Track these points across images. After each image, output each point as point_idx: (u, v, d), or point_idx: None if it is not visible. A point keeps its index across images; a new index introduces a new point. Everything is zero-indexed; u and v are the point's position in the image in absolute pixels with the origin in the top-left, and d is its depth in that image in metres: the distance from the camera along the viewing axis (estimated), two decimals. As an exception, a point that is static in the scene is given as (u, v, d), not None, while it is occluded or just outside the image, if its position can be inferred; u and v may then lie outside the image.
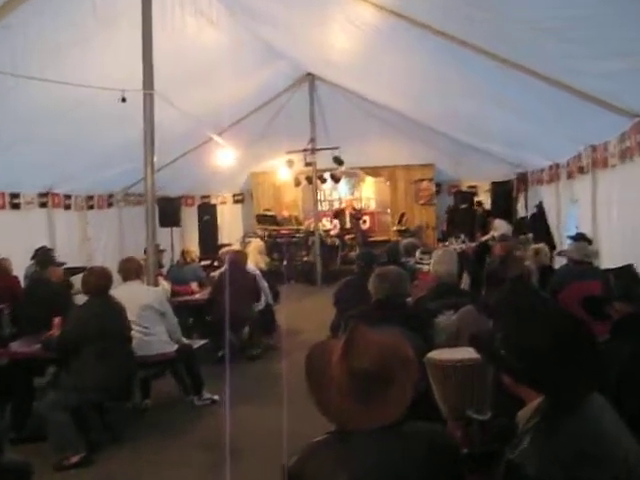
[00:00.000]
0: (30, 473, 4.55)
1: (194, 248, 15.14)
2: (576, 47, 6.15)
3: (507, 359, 2.38)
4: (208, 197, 20.87)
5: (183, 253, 13.21)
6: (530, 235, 12.62)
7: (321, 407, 2.56)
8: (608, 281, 4.07)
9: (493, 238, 9.99)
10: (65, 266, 10.62)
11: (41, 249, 11.15)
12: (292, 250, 19.02)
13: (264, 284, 10.87)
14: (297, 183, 18.89)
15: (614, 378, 3.34)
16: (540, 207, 14.23)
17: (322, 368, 2.62)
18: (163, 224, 16.05)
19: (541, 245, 8.94)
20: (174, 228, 17.99)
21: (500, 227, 7.91)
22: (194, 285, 11.46)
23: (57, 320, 6.97)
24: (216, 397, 7.82)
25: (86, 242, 15.29)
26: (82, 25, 8.51)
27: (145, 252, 8.79)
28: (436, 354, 3.34)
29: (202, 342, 8.72)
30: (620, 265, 4.32)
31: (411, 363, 2.67)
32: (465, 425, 3.14)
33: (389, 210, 20.66)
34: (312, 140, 16.99)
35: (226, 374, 8.62)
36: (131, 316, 6.93)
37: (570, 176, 11.31)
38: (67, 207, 14.59)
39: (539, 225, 13.52)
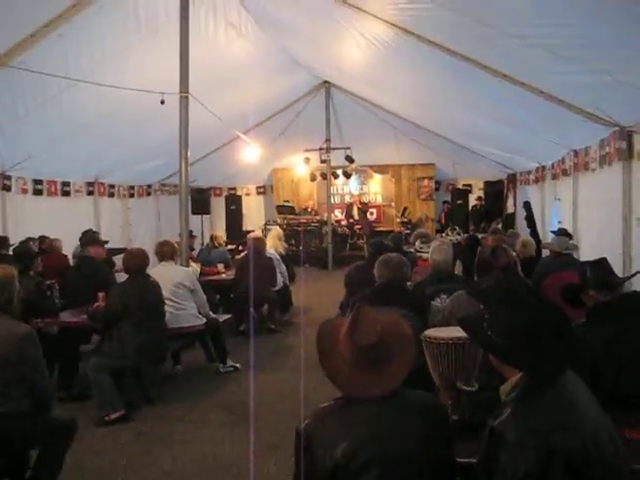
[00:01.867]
0: (75, 427, 4.60)
1: (221, 234, 15.14)
2: (566, 63, 6.13)
3: (492, 338, 2.40)
4: (234, 189, 20.91)
5: (212, 238, 13.23)
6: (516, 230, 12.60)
7: (330, 376, 2.58)
8: (584, 272, 4.08)
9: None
10: (108, 246, 10.74)
11: (87, 232, 11.24)
12: (307, 237, 19.04)
13: (282, 267, 10.89)
14: (313, 178, 18.92)
15: (588, 358, 3.35)
16: (527, 205, 14.23)
17: (331, 342, 2.65)
18: (195, 212, 16.12)
19: (528, 238, 8.93)
20: (204, 216, 18.07)
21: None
22: (220, 266, 11.50)
23: (101, 295, 7.02)
24: (238, 365, 7.86)
25: (127, 226, 15.39)
26: (127, 35, 8.57)
27: (179, 236, 8.82)
28: (431, 332, 3.37)
29: (227, 317, 8.76)
30: (596, 258, 4.32)
31: (410, 340, 2.70)
32: (455, 395, 3.18)
33: (393, 204, 20.64)
34: (327, 140, 16.98)
35: (249, 345, 8.73)
36: (165, 293, 6.97)
37: (554, 177, 11.29)
38: (111, 195, 14.71)
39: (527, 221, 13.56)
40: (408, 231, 16.38)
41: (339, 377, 2.57)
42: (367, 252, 8.67)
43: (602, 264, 4.14)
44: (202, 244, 15.51)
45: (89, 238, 9.74)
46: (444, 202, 19.53)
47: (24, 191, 11.34)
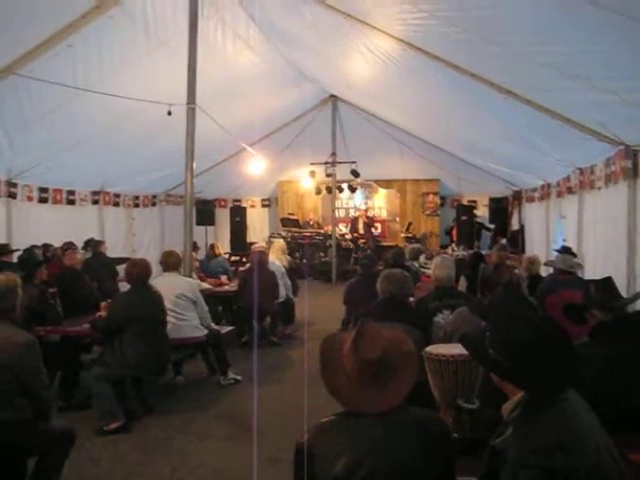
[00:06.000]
0: (74, 437, 4.58)
1: (220, 244, 15.17)
2: (571, 81, 6.14)
3: (492, 356, 2.39)
4: (239, 201, 20.95)
5: (211, 247, 13.29)
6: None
7: (332, 391, 2.57)
8: (588, 290, 4.06)
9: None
10: (112, 255, 10.78)
11: (90, 240, 11.30)
12: (312, 250, 19.07)
13: (286, 280, 10.88)
14: (318, 191, 18.90)
15: (590, 377, 3.34)
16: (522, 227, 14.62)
17: (334, 357, 2.64)
18: (199, 223, 16.13)
19: (534, 255, 8.91)
20: (209, 227, 18.10)
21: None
22: (223, 278, 11.52)
23: (104, 304, 7.03)
24: (239, 377, 7.84)
25: (131, 236, 15.41)
26: (135, 46, 8.63)
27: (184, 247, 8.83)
28: (433, 349, 3.36)
29: (229, 328, 8.74)
30: (600, 276, 4.30)
31: (412, 356, 2.69)
32: (456, 413, 3.17)
33: (398, 219, 20.66)
34: (333, 154, 17.01)
35: (252, 357, 8.71)
36: (167, 303, 6.96)
37: (559, 195, 11.27)
38: (116, 204, 14.75)
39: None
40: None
41: (341, 392, 2.56)
42: (359, 267, 8.70)
43: (607, 284, 4.12)
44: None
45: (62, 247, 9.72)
46: (454, 220, 19.46)
47: (30, 199, 11.38)
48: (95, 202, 13.79)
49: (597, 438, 2.23)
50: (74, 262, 8.53)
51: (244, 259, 16.66)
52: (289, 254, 13.58)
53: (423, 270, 9.75)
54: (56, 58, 7.76)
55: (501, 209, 17.88)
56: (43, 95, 8.39)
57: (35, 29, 7.33)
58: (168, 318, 6.91)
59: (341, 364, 2.60)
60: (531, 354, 2.31)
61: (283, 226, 20.03)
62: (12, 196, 10.76)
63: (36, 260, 7.90)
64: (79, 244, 10.56)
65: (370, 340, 2.56)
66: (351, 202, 21.20)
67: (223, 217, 19.91)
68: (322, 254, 19.36)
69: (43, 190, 11.81)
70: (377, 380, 2.52)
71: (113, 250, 12.27)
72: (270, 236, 19.23)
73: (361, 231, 19.85)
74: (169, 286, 7.27)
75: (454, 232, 18.66)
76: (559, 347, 2.35)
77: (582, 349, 3.45)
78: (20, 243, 9.49)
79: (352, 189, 18.65)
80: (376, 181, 20.15)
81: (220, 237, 19.34)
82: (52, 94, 8.37)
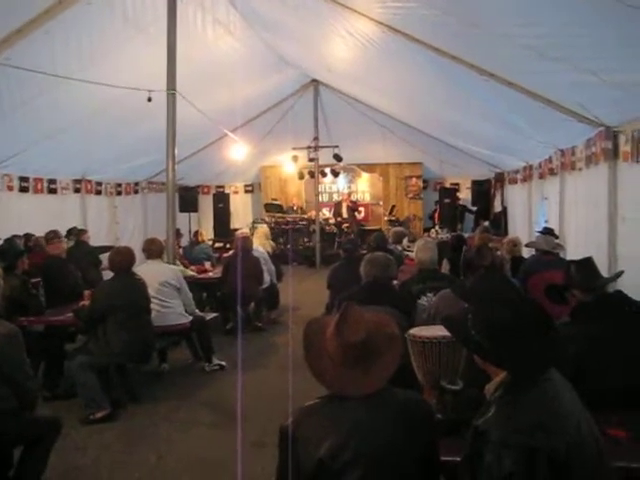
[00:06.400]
0: (59, 426, 4.57)
1: (205, 231, 15.14)
2: (552, 63, 6.14)
3: (474, 337, 2.41)
4: (222, 187, 20.85)
5: (195, 234, 13.28)
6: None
7: (316, 374, 2.58)
8: (569, 271, 4.09)
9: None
10: (94, 244, 10.71)
11: (73, 229, 11.23)
12: (295, 235, 19.07)
13: (270, 265, 10.88)
14: (301, 176, 18.85)
15: (571, 357, 3.37)
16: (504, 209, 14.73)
17: (318, 340, 2.65)
18: (182, 210, 16.08)
19: (516, 237, 8.96)
20: (192, 214, 18.06)
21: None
22: (207, 264, 11.51)
23: (87, 293, 7.00)
24: (224, 363, 7.85)
25: (114, 224, 15.33)
26: (114, 32, 8.52)
27: (167, 234, 8.80)
28: (416, 331, 3.38)
29: (213, 315, 8.75)
30: (582, 257, 4.33)
31: (396, 339, 2.70)
32: (439, 394, 3.19)
33: (381, 202, 20.69)
34: (315, 139, 16.97)
35: (237, 343, 8.72)
36: (151, 291, 6.95)
37: (541, 177, 11.31)
38: (98, 193, 14.63)
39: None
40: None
41: (326, 375, 2.57)
42: (342, 251, 8.74)
43: (587, 264, 4.16)
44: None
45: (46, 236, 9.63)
46: (436, 202, 19.53)
47: (10, 188, 11.26)
48: (77, 190, 13.66)
49: (578, 417, 2.26)
50: (59, 251, 8.47)
51: (228, 245, 16.62)
52: (273, 239, 13.57)
53: (406, 253, 9.78)
54: (34, 45, 7.66)
55: (483, 191, 17.95)
56: (22, 83, 8.29)
57: (11, 15, 7.22)
58: (152, 305, 6.90)
59: (325, 347, 2.61)
60: (512, 335, 2.33)
61: (266, 211, 20.00)
62: (-8, 186, 10.67)
63: (17, 250, 7.84)
64: (62, 233, 10.47)
65: (353, 323, 2.57)
66: (334, 186, 21.20)
67: (206, 203, 19.82)
68: (306, 239, 19.37)
69: (24, 179, 11.68)
70: (361, 363, 2.53)
71: (96, 239, 12.18)
72: (254, 222, 19.18)
73: (345, 215, 19.86)
74: (153, 274, 7.25)
75: (436, 215, 18.74)
76: (540, 328, 2.37)
77: (563, 329, 3.48)
78: (1, 233, 9.41)
79: (335, 173, 18.63)
80: (359, 165, 20.11)
81: (203, 223, 19.28)
82: (31, 82, 8.25)
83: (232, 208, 19.84)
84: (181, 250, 12.15)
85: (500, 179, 17.02)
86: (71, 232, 11.12)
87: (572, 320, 3.80)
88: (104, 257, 9.47)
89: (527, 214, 12.62)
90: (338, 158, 17.27)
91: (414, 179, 20.07)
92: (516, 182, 14.28)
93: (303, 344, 2.69)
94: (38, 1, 7.28)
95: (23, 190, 11.70)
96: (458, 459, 2.44)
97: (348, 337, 2.53)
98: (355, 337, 2.53)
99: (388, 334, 2.68)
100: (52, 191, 12.71)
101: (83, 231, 11.28)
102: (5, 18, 7.19)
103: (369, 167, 20.44)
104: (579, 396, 2.37)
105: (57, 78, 8.23)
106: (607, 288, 4.23)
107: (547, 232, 7.97)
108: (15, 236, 9.35)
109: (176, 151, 8.46)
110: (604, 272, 4.85)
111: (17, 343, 4.18)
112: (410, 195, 20.13)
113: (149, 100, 8.50)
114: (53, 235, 8.96)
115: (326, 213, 20.47)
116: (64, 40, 8.05)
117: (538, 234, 8.21)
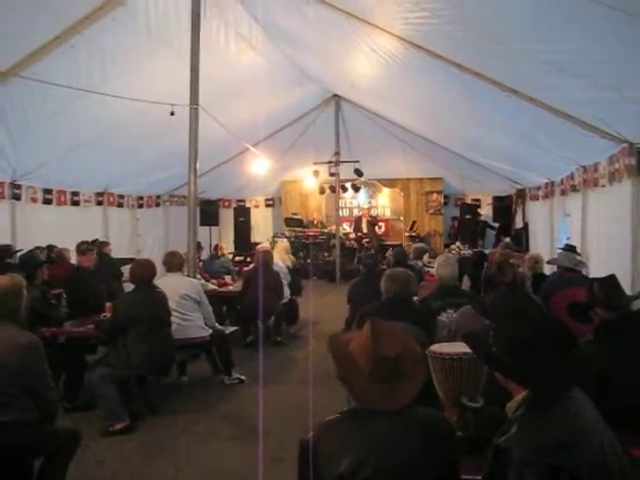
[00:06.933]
0: (79, 438, 4.58)
1: (225, 244, 15.19)
2: (574, 79, 6.14)
3: (495, 354, 2.39)
4: (243, 201, 20.93)
5: (216, 247, 13.33)
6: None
7: (348, 388, 2.58)
8: (592, 289, 4.05)
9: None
10: (116, 256, 10.77)
11: (95, 241, 11.30)
12: (315, 250, 19.06)
13: (290, 279, 10.88)
14: (322, 191, 18.89)
15: (594, 375, 3.33)
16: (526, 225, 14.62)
17: (346, 355, 2.64)
18: (203, 223, 16.16)
19: (538, 254, 8.89)
20: (212, 227, 18.13)
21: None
22: (228, 278, 11.53)
23: (108, 305, 7.03)
24: (243, 377, 7.84)
25: (136, 237, 15.44)
26: (138, 47, 8.63)
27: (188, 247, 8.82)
28: (437, 347, 3.36)
29: (233, 328, 8.74)
30: (605, 275, 4.29)
31: (421, 357, 2.72)
32: (460, 412, 3.16)
33: (402, 218, 20.65)
34: (336, 153, 17.00)
35: (256, 357, 8.71)
36: (171, 304, 6.96)
37: (563, 193, 11.25)
38: (120, 205, 14.78)
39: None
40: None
41: (355, 389, 2.56)
42: (362, 267, 8.72)
43: (611, 282, 4.11)
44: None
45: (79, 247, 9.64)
46: (453, 218, 19.46)
47: (34, 200, 11.40)
48: (99, 203, 13.82)
49: (601, 435, 2.23)
50: (90, 263, 8.39)
51: (248, 259, 16.67)
52: (293, 254, 13.57)
53: (427, 269, 9.75)
54: (59, 60, 7.77)
55: (505, 207, 17.86)
56: (46, 97, 8.41)
57: (37, 31, 7.34)
58: (172, 318, 6.91)
59: (354, 361, 2.60)
60: (534, 352, 2.31)
61: (287, 226, 20.03)
62: (16, 198, 10.79)
63: (37, 261, 7.90)
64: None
65: (387, 337, 2.58)
66: (355, 201, 21.21)
67: (227, 217, 19.93)
68: (326, 254, 19.37)
69: (47, 191, 11.84)
70: (393, 378, 2.53)
71: (118, 251, 12.28)
72: (274, 236, 19.21)
73: (365, 230, 19.85)
74: (173, 286, 7.27)
75: (453, 231, 18.68)
76: (562, 345, 2.35)
77: (586, 347, 3.45)
78: (24, 244, 9.52)
79: (356, 188, 18.64)
80: (379, 180, 20.10)
81: (224, 237, 19.36)
82: (55, 96, 8.38)
83: (253, 222, 19.90)
84: (201, 264, 12.18)
85: (521, 195, 16.94)
86: (94, 244, 11.20)
87: (595, 338, 3.76)
88: (125, 269, 9.52)
89: (549, 231, 12.53)
90: (359, 173, 17.28)
91: (435, 194, 20.01)
92: (537, 198, 14.20)
93: (333, 358, 2.69)
94: (65, 17, 7.39)
95: (47, 202, 11.86)
96: (479, 478, 2.42)
97: (385, 350, 2.53)
98: (391, 350, 2.54)
99: (418, 352, 2.69)
100: (75, 203, 12.87)
101: (105, 243, 11.35)
102: (32, 33, 7.31)
103: (390, 182, 20.41)
104: (602, 415, 2.34)
105: (80, 93, 8.33)
106: (631, 306, 4.19)
107: (569, 249, 7.91)
108: (37, 247, 9.44)
109: (198, 165, 8.50)
110: (627, 290, 4.81)
111: (38, 354, 4.20)
112: (431, 211, 20.07)
113: (172, 114, 8.55)
114: (86, 246, 8.92)
115: (346, 228, 20.45)
116: (88, 55, 8.17)
117: (560, 251, 8.14)
